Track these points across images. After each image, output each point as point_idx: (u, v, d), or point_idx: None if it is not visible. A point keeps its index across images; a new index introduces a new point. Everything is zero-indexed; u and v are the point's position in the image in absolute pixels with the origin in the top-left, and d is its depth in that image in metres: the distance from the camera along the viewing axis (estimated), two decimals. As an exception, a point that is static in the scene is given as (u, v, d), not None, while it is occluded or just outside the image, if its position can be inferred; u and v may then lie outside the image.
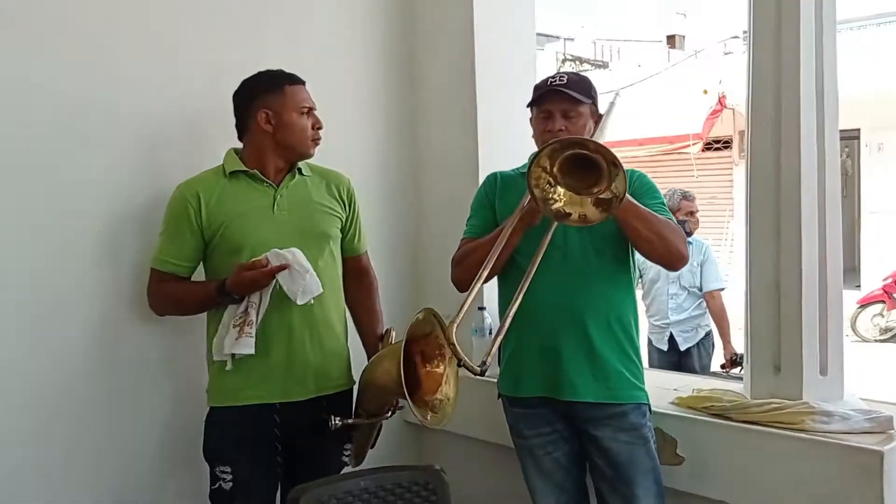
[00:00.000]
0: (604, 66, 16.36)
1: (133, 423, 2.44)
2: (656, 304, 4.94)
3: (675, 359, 4.91)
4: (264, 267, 2.07)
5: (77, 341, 2.34)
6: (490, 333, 2.85)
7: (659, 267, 4.80)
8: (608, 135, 2.30)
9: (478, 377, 1.95)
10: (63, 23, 2.29)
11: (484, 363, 1.89)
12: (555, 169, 1.96)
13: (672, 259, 2.22)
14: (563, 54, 16.03)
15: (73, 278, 2.32)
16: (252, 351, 2.09)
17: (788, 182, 2.28)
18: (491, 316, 2.80)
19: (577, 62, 15.48)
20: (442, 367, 2.11)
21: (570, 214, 1.98)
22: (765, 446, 2.20)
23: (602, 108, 2.36)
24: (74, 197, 2.32)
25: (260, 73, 2.28)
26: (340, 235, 2.36)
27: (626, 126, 10.79)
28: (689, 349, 4.87)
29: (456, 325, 1.91)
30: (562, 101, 2.24)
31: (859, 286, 10.72)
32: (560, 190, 1.97)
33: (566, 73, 2.32)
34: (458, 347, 1.88)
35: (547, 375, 2.27)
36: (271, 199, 2.24)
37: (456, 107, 3.05)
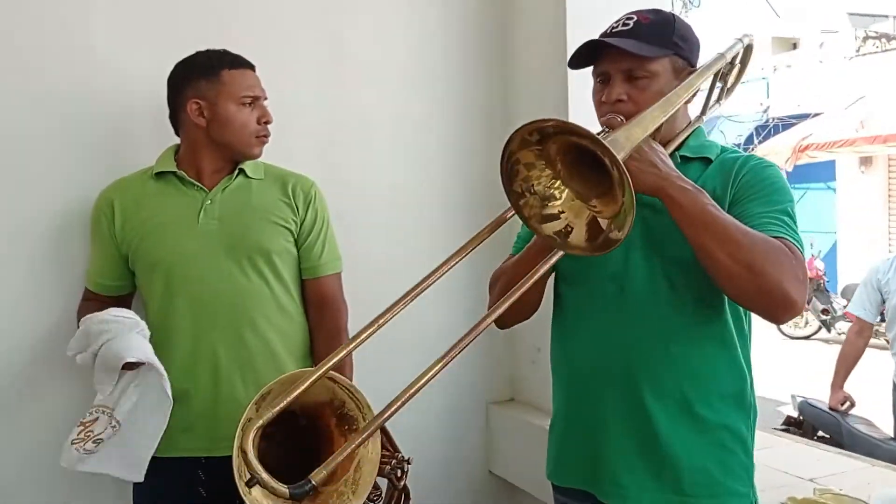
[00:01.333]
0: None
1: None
2: (898, 332, 3.81)
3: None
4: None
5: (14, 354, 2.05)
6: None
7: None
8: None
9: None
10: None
11: (308, 482, 1.13)
12: (557, 158, 1.28)
13: (771, 303, 1.36)
14: (866, 31, 13.79)
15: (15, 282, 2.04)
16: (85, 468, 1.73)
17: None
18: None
19: (884, 40, 13.21)
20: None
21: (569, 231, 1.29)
22: None
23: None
24: (18, 195, 2.03)
25: (196, 54, 1.88)
26: (293, 250, 1.91)
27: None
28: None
29: (255, 429, 1.16)
30: (622, 57, 1.49)
31: None
32: (566, 192, 1.29)
33: (636, 14, 1.54)
34: (252, 460, 1.13)
35: (587, 462, 1.58)
36: (198, 206, 1.86)
37: (549, 92, 2.46)
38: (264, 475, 1.10)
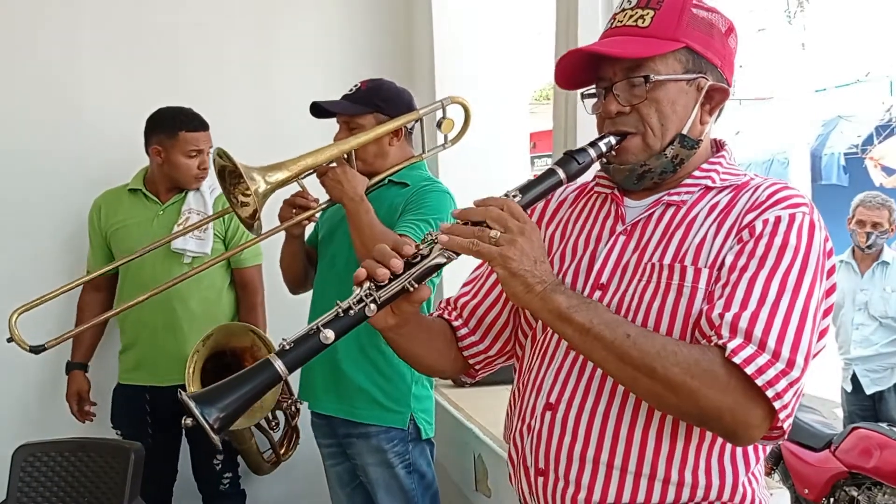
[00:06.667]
0: None
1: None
2: (841, 334, 4.11)
3: (869, 403, 4.04)
4: None
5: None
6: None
7: (845, 289, 4.02)
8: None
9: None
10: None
11: (43, 346, 1.95)
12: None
13: None
14: None
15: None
16: None
17: None
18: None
19: None
20: None
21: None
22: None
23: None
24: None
25: (164, 112, 2.60)
26: (222, 248, 2.64)
27: None
28: (881, 393, 3.96)
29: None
30: (342, 114, 2.15)
31: None
32: None
33: (361, 83, 2.18)
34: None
35: (304, 376, 2.27)
36: (153, 215, 2.65)
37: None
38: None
